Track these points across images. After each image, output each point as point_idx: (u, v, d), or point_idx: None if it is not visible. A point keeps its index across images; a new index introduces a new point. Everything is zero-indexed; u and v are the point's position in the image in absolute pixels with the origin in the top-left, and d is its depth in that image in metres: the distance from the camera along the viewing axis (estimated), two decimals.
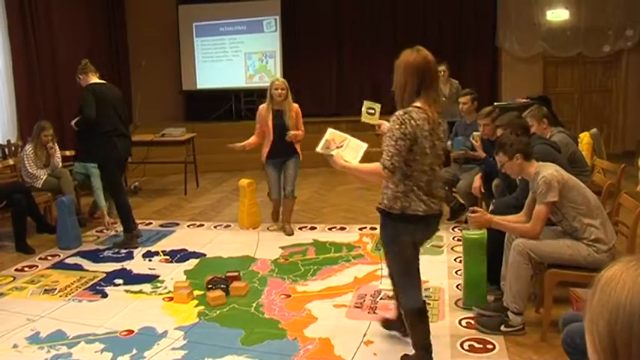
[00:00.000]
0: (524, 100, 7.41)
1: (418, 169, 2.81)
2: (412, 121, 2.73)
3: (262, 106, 6.04)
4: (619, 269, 0.98)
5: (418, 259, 3.06)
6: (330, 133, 3.07)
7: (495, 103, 7.00)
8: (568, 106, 10.54)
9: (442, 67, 7.54)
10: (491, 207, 4.49)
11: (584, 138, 6.13)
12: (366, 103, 3.59)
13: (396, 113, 2.78)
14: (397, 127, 2.73)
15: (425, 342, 3.05)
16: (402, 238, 2.93)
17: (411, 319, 3.07)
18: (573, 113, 10.54)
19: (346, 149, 2.97)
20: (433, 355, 3.08)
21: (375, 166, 2.78)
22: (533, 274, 3.65)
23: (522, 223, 3.57)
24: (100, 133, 5.40)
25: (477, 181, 5.23)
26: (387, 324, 3.62)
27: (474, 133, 5.59)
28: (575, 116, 10.52)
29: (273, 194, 6.00)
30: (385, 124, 3.31)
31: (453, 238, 5.43)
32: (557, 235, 3.51)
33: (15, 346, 3.61)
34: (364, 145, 2.98)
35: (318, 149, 3.03)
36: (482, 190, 5.19)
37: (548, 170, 3.39)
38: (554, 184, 3.32)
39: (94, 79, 5.58)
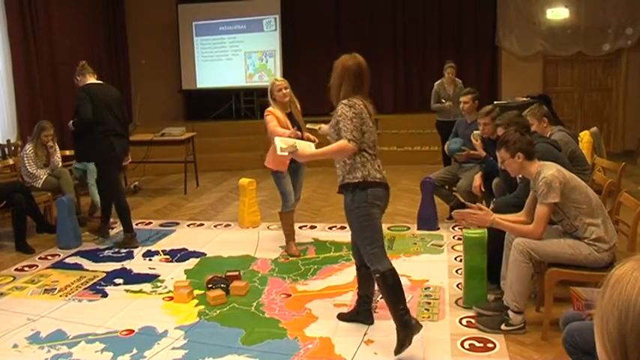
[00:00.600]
0: (524, 99, 7.41)
1: (368, 143, 3.33)
2: (358, 105, 3.30)
3: (275, 111, 5.18)
4: (630, 267, 0.98)
5: (381, 225, 3.42)
6: (280, 139, 3.62)
7: (495, 102, 7.00)
8: (568, 104, 10.54)
9: (448, 67, 7.65)
10: (491, 206, 4.49)
11: (585, 137, 6.13)
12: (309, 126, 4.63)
13: (342, 102, 3.32)
14: (348, 109, 3.27)
15: (403, 314, 3.26)
16: (370, 202, 3.30)
17: (391, 283, 3.31)
18: (573, 112, 10.55)
19: (302, 146, 3.62)
20: (433, 354, 3.08)
21: (340, 143, 3.27)
22: (534, 273, 3.65)
23: (522, 222, 3.57)
24: (97, 134, 5.40)
25: (477, 180, 5.24)
26: (348, 317, 3.77)
27: (475, 132, 5.59)
28: (575, 115, 10.52)
29: (289, 206, 5.20)
30: (324, 126, 4.34)
31: (453, 237, 5.43)
32: (558, 235, 3.51)
33: (15, 345, 3.61)
34: (313, 142, 3.73)
35: (283, 153, 3.51)
36: (483, 189, 5.19)
37: (550, 171, 3.38)
38: (556, 184, 3.31)
39: (91, 80, 5.57)
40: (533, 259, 3.44)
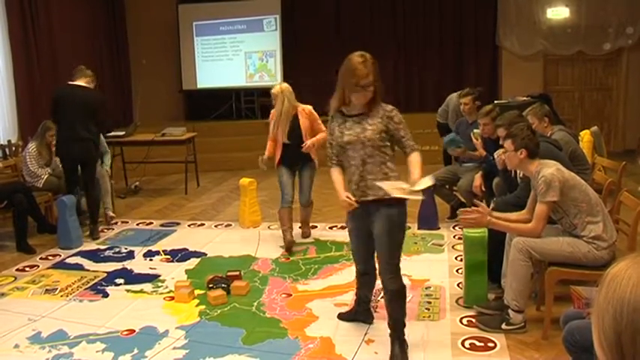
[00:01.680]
0: (525, 99, 7.40)
1: None
2: None
3: (273, 112, 5.64)
4: (625, 265, 0.98)
5: None
6: (393, 187, 3.10)
7: (495, 102, 6.99)
8: (568, 104, 10.54)
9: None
10: (492, 205, 4.49)
11: (585, 136, 6.13)
12: None
13: (392, 107, 3.28)
14: (400, 115, 3.25)
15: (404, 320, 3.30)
16: (405, 220, 3.26)
17: (402, 297, 3.31)
18: (574, 111, 10.55)
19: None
20: (434, 353, 3.08)
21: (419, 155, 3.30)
22: (534, 272, 3.65)
23: (525, 220, 3.57)
24: (58, 135, 5.75)
25: (478, 180, 5.24)
26: (347, 316, 3.78)
27: (475, 130, 5.59)
28: (576, 114, 10.52)
29: (284, 202, 5.37)
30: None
31: (454, 237, 5.43)
32: (557, 233, 3.51)
33: (16, 346, 3.62)
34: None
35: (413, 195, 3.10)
36: (483, 189, 5.19)
37: (549, 169, 3.39)
38: (555, 183, 3.32)
39: (79, 82, 5.67)
40: (533, 257, 3.45)
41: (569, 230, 3.45)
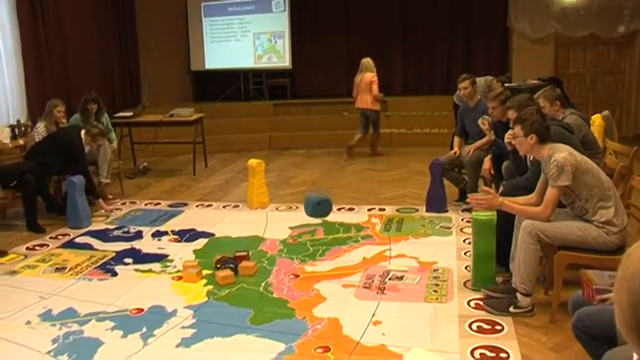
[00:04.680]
0: (535, 82, 7.34)
1: None
2: None
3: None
4: (636, 246, 1.01)
5: None
6: None
7: (506, 85, 6.94)
8: (579, 87, 10.44)
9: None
10: (501, 189, 4.47)
11: (596, 120, 6.08)
12: None
13: None
14: None
15: None
16: None
17: None
18: (585, 95, 10.44)
19: None
20: (441, 335, 3.08)
21: None
22: (543, 255, 3.65)
23: (533, 204, 3.55)
24: None
25: (487, 163, 5.21)
26: None
27: (485, 116, 5.55)
28: (587, 98, 10.42)
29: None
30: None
31: (462, 220, 5.41)
32: (567, 217, 3.49)
33: (28, 322, 3.65)
34: None
35: None
36: (492, 172, 5.17)
37: (562, 153, 3.36)
38: (567, 167, 3.29)
39: None
40: (542, 241, 3.43)
41: (579, 214, 3.43)
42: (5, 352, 3.30)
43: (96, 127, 6.06)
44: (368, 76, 8.76)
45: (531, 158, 4.22)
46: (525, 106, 3.96)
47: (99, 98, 6.83)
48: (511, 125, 4.38)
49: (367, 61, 8.86)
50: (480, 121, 5.56)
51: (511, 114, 4.19)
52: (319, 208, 5.71)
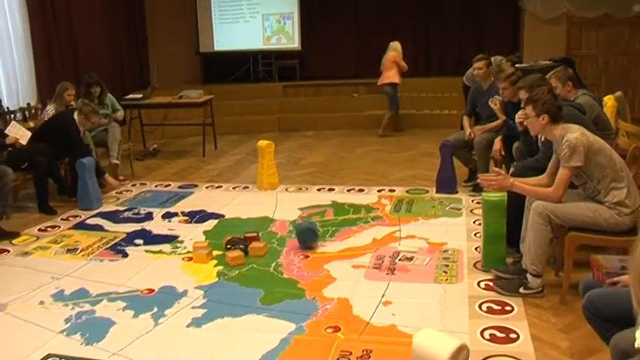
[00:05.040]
0: (547, 63, 7.26)
1: None
2: None
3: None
4: None
5: None
6: None
7: (517, 65, 6.87)
8: (592, 68, 10.30)
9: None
10: (511, 170, 4.45)
11: (609, 101, 6.01)
12: None
13: None
14: None
15: None
16: None
17: None
18: (597, 76, 10.30)
19: None
20: (451, 316, 3.09)
21: None
22: (553, 237, 3.63)
23: (544, 184, 3.53)
24: None
25: (498, 144, 5.18)
26: None
27: (495, 96, 5.51)
28: (599, 79, 10.29)
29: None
30: None
31: (472, 201, 5.39)
32: (578, 199, 3.47)
33: (41, 302, 3.69)
34: None
35: None
36: (503, 153, 5.13)
37: (574, 134, 3.32)
38: (580, 148, 3.26)
39: None
40: (553, 222, 3.42)
41: (591, 195, 3.40)
42: (20, 331, 3.35)
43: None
44: (391, 54, 8.96)
45: (542, 139, 4.19)
46: (537, 87, 3.91)
47: (101, 81, 6.82)
48: (522, 106, 4.35)
49: (394, 42, 9.12)
50: (490, 102, 5.51)
51: (522, 94, 4.14)
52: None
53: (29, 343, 3.18)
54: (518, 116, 4.53)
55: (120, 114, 7.02)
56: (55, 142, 5.71)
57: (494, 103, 5.44)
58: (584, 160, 3.28)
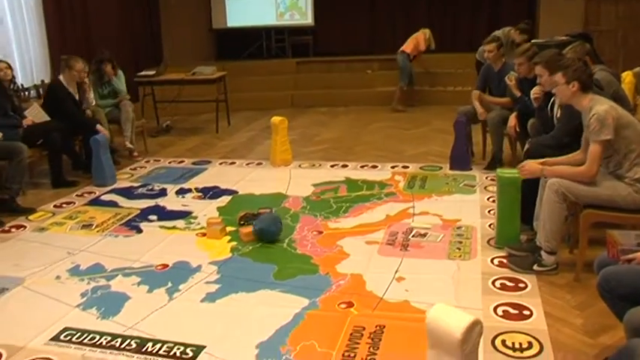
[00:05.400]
0: (564, 38, 7.14)
1: None
2: None
3: None
4: None
5: None
6: None
7: (533, 41, 6.77)
8: (609, 44, 10.12)
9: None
10: (526, 146, 4.41)
11: (627, 77, 5.91)
12: None
13: None
14: None
15: None
16: None
17: None
18: (615, 52, 10.14)
19: None
20: (464, 292, 3.09)
21: None
22: (568, 214, 3.60)
23: (578, 161, 3.44)
24: None
25: (512, 121, 5.12)
26: None
27: (511, 72, 5.44)
28: (618, 55, 10.12)
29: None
30: None
31: (486, 178, 5.36)
32: (598, 175, 3.40)
33: (58, 277, 3.74)
34: None
35: None
36: (517, 130, 5.08)
37: (602, 106, 3.24)
38: (609, 121, 3.18)
39: None
40: (568, 199, 3.38)
41: (613, 170, 3.33)
42: (37, 304, 3.40)
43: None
44: (419, 34, 9.12)
45: (558, 115, 4.15)
46: (555, 62, 3.85)
47: (112, 58, 6.81)
48: (538, 81, 4.30)
49: (426, 29, 9.28)
50: (506, 78, 5.44)
51: (539, 70, 4.09)
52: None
53: (47, 316, 3.23)
54: (534, 92, 4.49)
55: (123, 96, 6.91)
56: (58, 115, 5.75)
57: (510, 79, 5.37)
58: (613, 133, 3.22)
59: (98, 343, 2.96)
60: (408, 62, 9.01)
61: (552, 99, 4.24)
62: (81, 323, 3.15)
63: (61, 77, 6.00)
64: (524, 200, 3.79)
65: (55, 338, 3.01)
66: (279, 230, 4.19)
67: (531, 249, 3.61)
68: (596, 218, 3.39)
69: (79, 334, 3.04)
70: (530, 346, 2.77)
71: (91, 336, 3.02)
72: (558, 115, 4.15)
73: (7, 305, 3.41)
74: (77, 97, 6.14)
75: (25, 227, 4.68)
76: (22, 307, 3.37)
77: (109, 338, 2.99)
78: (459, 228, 4.25)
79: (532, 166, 3.57)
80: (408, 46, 9.02)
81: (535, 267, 3.49)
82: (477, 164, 5.79)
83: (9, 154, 4.92)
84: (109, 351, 2.88)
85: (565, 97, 3.49)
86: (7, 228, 4.66)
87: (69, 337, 3.01)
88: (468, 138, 5.86)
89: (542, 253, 3.48)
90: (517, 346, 2.77)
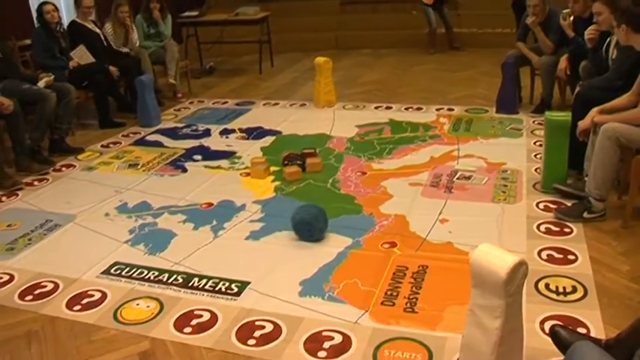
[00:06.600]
0: None
1: None
2: None
3: None
4: None
5: None
6: None
7: None
8: None
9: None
10: (577, 89, 4.26)
11: None
12: None
13: None
14: None
15: None
16: None
17: None
18: None
19: None
20: (509, 236, 3.06)
21: None
22: (619, 159, 3.49)
23: (631, 102, 3.33)
24: None
25: (563, 62, 4.92)
26: None
27: (564, 11, 5.19)
28: None
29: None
30: None
31: (533, 122, 5.23)
32: None
33: (107, 214, 3.85)
34: None
35: None
36: (568, 72, 4.90)
37: None
38: None
39: None
40: (622, 145, 3.27)
41: None
42: (88, 240, 3.52)
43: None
44: None
45: (613, 57, 3.97)
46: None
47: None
48: (595, 20, 4.11)
49: None
50: (560, 17, 5.17)
51: (597, 7, 3.90)
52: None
53: (97, 251, 3.34)
54: (589, 32, 4.28)
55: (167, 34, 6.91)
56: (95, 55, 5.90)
57: (564, 18, 5.12)
58: None
59: (146, 277, 3.05)
60: (424, 6, 8.74)
61: (608, 39, 4.06)
62: (130, 258, 3.25)
63: (78, 19, 6.06)
64: (572, 144, 3.69)
65: (106, 272, 3.12)
66: (319, 230, 3.36)
67: (580, 187, 3.52)
68: None
69: (128, 268, 3.14)
70: (574, 290, 2.74)
71: (139, 271, 3.12)
72: (614, 57, 3.97)
73: (61, 241, 3.54)
74: (100, 33, 6.22)
75: (74, 166, 4.81)
76: (75, 243, 3.50)
77: (157, 273, 3.08)
78: (504, 171, 4.18)
79: (583, 123, 3.48)
80: None
81: (585, 214, 3.40)
82: (524, 108, 5.63)
83: (57, 95, 5.00)
84: (156, 285, 2.97)
85: (622, 40, 3.36)
86: (57, 167, 4.79)
87: (119, 271, 3.12)
88: (516, 81, 5.68)
89: (591, 199, 3.40)
90: (561, 289, 2.75)
